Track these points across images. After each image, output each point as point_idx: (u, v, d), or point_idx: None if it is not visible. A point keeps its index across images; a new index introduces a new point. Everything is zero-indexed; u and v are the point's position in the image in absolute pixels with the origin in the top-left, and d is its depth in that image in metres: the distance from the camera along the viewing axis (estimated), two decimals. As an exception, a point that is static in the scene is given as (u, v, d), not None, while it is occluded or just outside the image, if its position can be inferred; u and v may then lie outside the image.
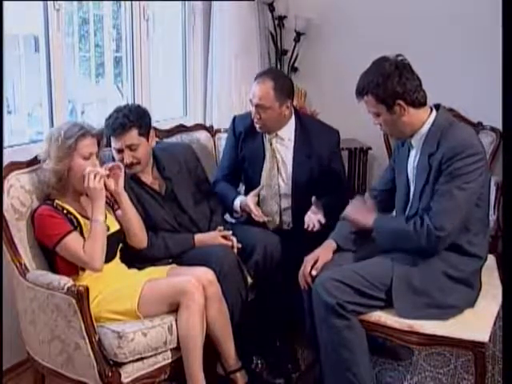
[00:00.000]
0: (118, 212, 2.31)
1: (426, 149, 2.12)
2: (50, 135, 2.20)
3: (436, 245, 2.07)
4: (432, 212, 2.05)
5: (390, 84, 2.06)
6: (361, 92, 2.13)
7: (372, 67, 2.14)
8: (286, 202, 2.81)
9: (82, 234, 2.17)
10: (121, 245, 2.33)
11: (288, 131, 2.79)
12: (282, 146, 2.80)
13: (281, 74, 2.96)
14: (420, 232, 2.05)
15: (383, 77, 2.07)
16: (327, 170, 2.78)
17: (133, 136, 2.42)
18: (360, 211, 2.29)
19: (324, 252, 2.28)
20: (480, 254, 2.14)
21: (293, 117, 2.80)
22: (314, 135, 2.78)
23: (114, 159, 2.48)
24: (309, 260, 2.25)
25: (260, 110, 2.67)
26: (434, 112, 2.15)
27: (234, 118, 2.95)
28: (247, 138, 2.86)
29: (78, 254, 2.11)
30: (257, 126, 2.75)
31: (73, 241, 2.12)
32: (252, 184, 2.82)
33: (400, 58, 2.11)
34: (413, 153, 2.22)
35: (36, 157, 2.27)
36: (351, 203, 2.35)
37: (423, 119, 2.13)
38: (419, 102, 2.11)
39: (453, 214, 2.03)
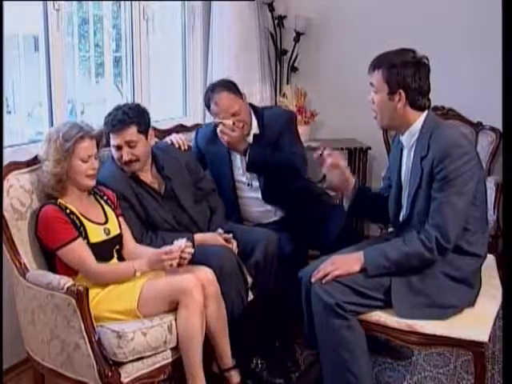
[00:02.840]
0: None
1: (418, 151, 2.12)
2: (48, 136, 2.20)
3: (445, 254, 2.07)
4: (436, 224, 2.03)
5: (403, 72, 2.06)
6: (375, 65, 2.13)
7: (396, 50, 2.13)
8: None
9: (85, 234, 2.17)
10: (117, 246, 2.32)
11: (255, 126, 2.85)
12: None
13: (224, 80, 2.90)
14: (431, 247, 2.03)
15: (401, 62, 2.07)
16: (277, 146, 2.78)
17: (132, 132, 2.42)
18: (340, 261, 2.15)
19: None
20: (479, 252, 2.14)
21: (251, 111, 2.86)
22: (266, 115, 2.85)
23: (112, 158, 2.48)
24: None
25: (237, 117, 2.73)
26: (425, 112, 2.14)
27: (197, 132, 3.00)
28: (209, 147, 2.89)
29: (83, 261, 2.12)
30: (239, 132, 2.72)
31: (79, 247, 2.13)
32: (222, 188, 2.85)
33: (425, 59, 2.11)
34: (405, 153, 2.22)
35: (36, 156, 2.28)
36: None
37: (415, 119, 2.13)
38: (419, 106, 2.11)
39: (456, 222, 2.03)
